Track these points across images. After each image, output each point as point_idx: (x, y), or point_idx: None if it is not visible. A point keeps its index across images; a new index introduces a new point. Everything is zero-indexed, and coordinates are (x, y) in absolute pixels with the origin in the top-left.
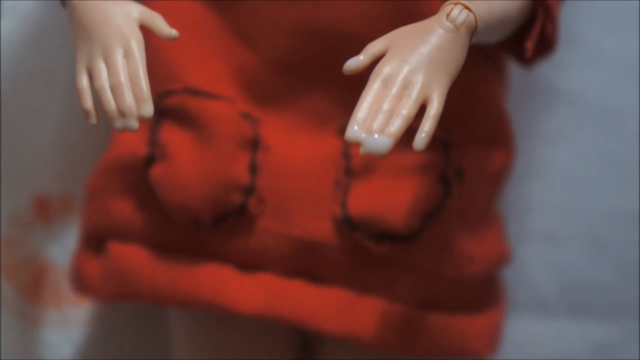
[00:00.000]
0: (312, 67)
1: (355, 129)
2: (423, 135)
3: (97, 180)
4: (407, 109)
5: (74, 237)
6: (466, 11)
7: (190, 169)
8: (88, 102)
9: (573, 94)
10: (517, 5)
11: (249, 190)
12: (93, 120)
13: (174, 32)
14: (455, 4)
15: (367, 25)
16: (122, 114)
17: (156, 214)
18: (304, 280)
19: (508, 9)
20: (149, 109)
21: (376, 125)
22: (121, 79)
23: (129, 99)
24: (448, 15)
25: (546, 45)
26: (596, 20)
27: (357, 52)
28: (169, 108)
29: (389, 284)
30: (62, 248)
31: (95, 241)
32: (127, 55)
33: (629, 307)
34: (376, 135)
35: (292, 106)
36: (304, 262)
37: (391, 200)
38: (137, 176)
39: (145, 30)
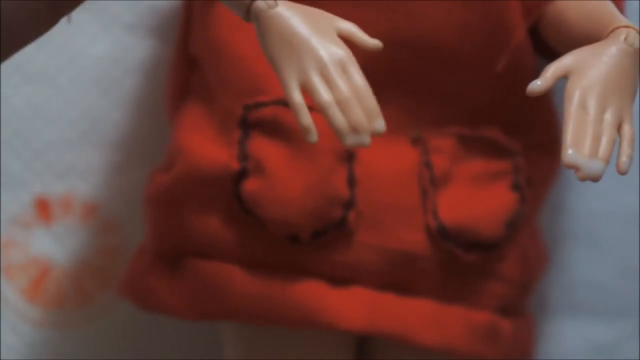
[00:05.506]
0: (395, 76)
1: (570, 153)
2: (625, 158)
3: (171, 193)
4: (608, 133)
5: (75, 238)
6: (638, 34)
7: (290, 183)
8: (307, 117)
9: None
10: None
11: (349, 204)
12: (314, 137)
13: (376, 42)
14: (626, 27)
15: (454, 34)
16: (354, 129)
17: (247, 229)
18: (393, 293)
19: None
20: (381, 124)
21: (587, 149)
22: (348, 95)
23: (359, 115)
24: (626, 39)
25: None
26: None
27: (442, 61)
28: (259, 120)
29: (474, 292)
30: (63, 248)
31: (168, 257)
32: (345, 69)
33: (629, 307)
34: (591, 160)
35: None
36: (397, 274)
37: (478, 209)
38: (223, 191)
39: (224, 40)
